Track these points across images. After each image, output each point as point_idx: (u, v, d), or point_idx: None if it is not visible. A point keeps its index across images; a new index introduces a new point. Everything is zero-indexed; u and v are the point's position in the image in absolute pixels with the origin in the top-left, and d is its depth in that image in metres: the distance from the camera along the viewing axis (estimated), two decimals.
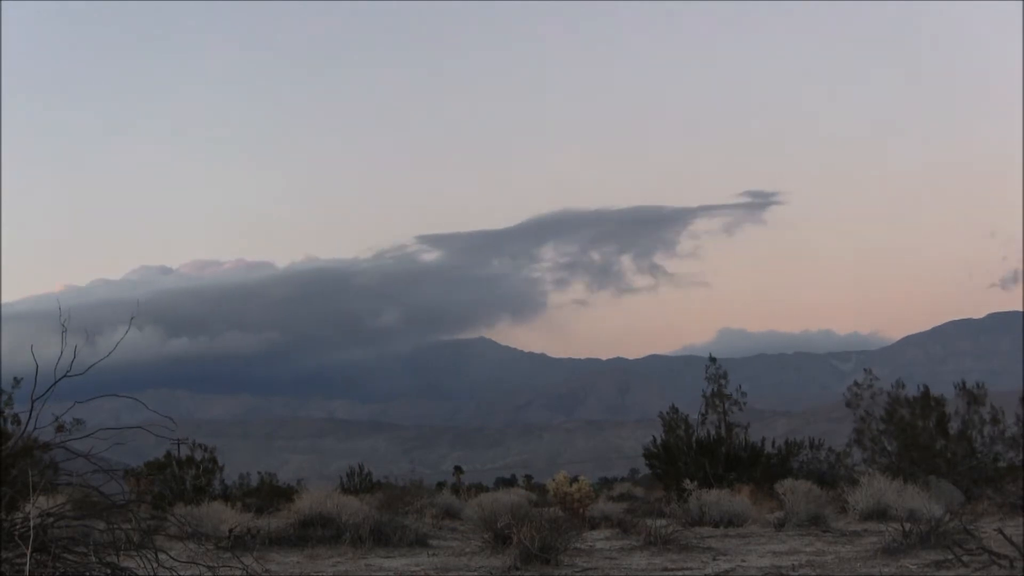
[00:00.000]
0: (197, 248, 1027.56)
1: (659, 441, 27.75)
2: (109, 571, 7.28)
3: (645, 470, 41.06)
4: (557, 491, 20.59)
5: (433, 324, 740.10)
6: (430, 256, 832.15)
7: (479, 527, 13.88)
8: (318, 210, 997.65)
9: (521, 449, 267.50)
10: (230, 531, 13.83)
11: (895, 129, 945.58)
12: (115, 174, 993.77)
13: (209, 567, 8.36)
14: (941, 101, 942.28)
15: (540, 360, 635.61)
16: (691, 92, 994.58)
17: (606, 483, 58.82)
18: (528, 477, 70.92)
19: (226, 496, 26.62)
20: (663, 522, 15.36)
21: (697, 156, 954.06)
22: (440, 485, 47.21)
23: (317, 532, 14.42)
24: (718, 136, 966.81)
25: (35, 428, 7.62)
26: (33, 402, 7.53)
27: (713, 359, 30.03)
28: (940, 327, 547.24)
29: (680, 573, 10.77)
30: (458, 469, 53.04)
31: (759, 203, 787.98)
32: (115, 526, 7.43)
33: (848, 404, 26.03)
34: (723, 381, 28.98)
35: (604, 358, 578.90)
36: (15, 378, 24.17)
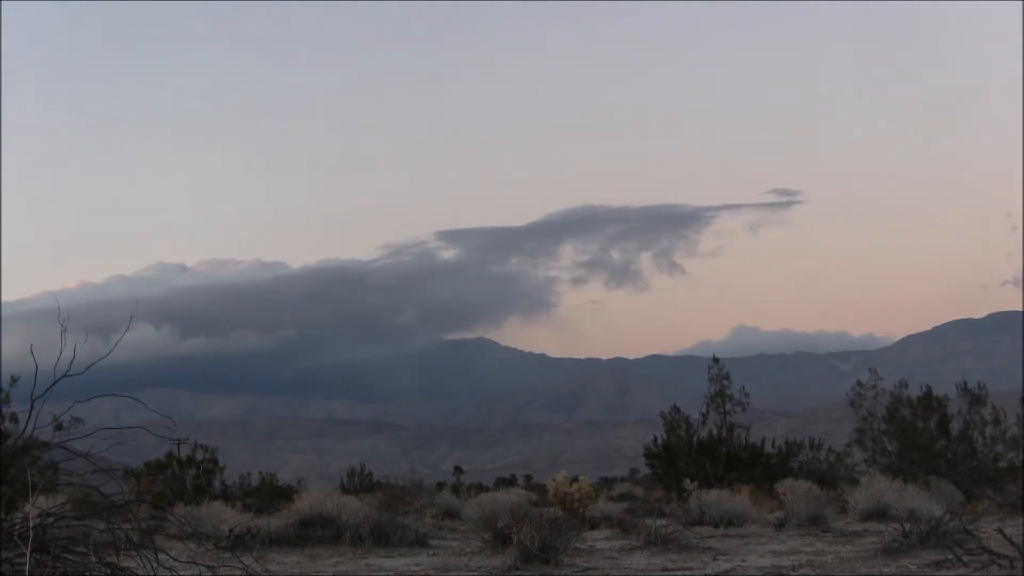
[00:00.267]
0: (214, 246, 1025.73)
1: (660, 441, 27.76)
2: (109, 571, 7.27)
3: (645, 470, 41.07)
4: (557, 491, 20.58)
5: (443, 323, 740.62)
6: (448, 253, 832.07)
7: (479, 527, 13.88)
8: (336, 207, 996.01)
9: (521, 449, 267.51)
10: (230, 531, 13.83)
11: (895, 129, 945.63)
12: (129, 172, 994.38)
13: (209, 567, 8.36)
14: (941, 101, 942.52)
15: (540, 360, 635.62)
16: (719, 89, 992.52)
17: (606, 483, 58.81)
18: (528, 477, 70.91)
19: (226, 496, 26.60)
20: (663, 522, 15.36)
21: (722, 153, 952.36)
22: (440, 485, 47.22)
23: (317, 532, 14.41)
24: (743, 134, 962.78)
25: (34, 428, 7.62)
26: (33, 401, 7.53)
27: (716, 359, 30.06)
28: (940, 327, 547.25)
29: (680, 573, 10.76)
30: (458, 469, 53.08)
31: (783, 202, 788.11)
32: (115, 526, 7.42)
33: (851, 404, 26.03)
34: (726, 382, 29.01)
35: (604, 358, 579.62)
36: (12, 376, 24.14)
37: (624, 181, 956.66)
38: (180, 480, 27.45)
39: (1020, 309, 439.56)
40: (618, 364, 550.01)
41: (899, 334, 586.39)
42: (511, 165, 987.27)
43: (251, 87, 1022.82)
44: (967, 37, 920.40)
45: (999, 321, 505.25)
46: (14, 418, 22.94)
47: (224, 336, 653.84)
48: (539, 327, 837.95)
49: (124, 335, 7.78)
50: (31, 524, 6.90)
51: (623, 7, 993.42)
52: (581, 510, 19.53)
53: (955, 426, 24.60)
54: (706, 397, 28.92)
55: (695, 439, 27.17)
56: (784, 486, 19.03)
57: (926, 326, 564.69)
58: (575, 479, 20.95)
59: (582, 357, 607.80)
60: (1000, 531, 10.27)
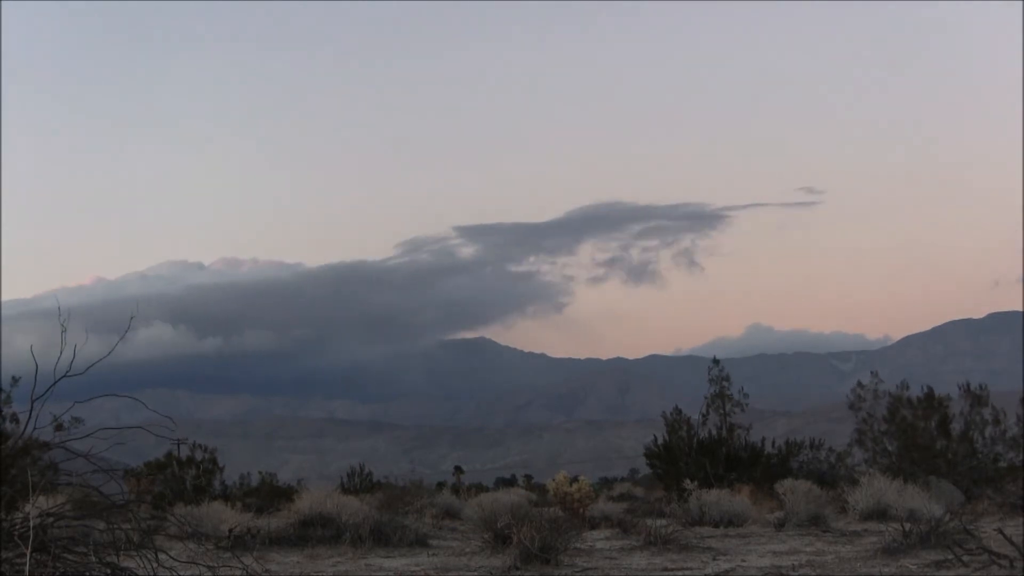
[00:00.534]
0: (229, 245, 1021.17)
1: (661, 441, 27.78)
2: (109, 571, 7.27)
3: (645, 470, 41.12)
4: (557, 491, 20.59)
5: (454, 322, 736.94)
6: (467, 250, 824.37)
7: (479, 527, 13.89)
8: (354, 203, 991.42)
9: (521, 449, 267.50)
10: (230, 531, 13.84)
11: (895, 129, 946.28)
12: (146, 170, 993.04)
13: (209, 567, 8.35)
14: (941, 102, 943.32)
15: (540, 360, 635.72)
16: (743, 87, 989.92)
17: (606, 483, 58.82)
18: (528, 477, 70.96)
19: (226, 496, 26.62)
20: (663, 522, 15.37)
21: (751, 151, 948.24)
22: (440, 485, 47.24)
23: (317, 532, 14.42)
24: (770, 132, 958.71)
25: (35, 428, 7.62)
26: (33, 402, 7.53)
27: (716, 360, 30.11)
28: (940, 327, 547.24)
29: (680, 573, 10.76)
30: (458, 469, 53.15)
31: (808, 202, 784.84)
32: (115, 526, 7.42)
33: (851, 406, 26.03)
34: (725, 383, 29.03)
35: (604, 358, 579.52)
36: (13, 377, 24.15)
37: (650, 178, 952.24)
38: (180, 480, 27.47)
39: (1020, 309, 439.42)
40: (618, 364, 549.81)
41: (899, 334, 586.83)
42: (535, 161, 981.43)
43: (272, 85, 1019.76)
44: (967, 37, 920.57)
45: (999, 321, 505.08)
46: (15, 418, 22.96)
47: (239, 335, 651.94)
48: (548, 327, 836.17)
49: (124, 335, 7.77)
50: (31, 524, 6.89)
51: (654, 6, 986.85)
52: (581, 510, 19.54)
53: (956, 427, 24.61)
54: (706, 398, 28.96)
55: (695, 439, 27.20)
56: (784, 486, 19.04)
57: (926, 326, 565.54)
58: (575, 479, 20.96)
59: (582, 357, 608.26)
60: (1000, 531, 10.27)
